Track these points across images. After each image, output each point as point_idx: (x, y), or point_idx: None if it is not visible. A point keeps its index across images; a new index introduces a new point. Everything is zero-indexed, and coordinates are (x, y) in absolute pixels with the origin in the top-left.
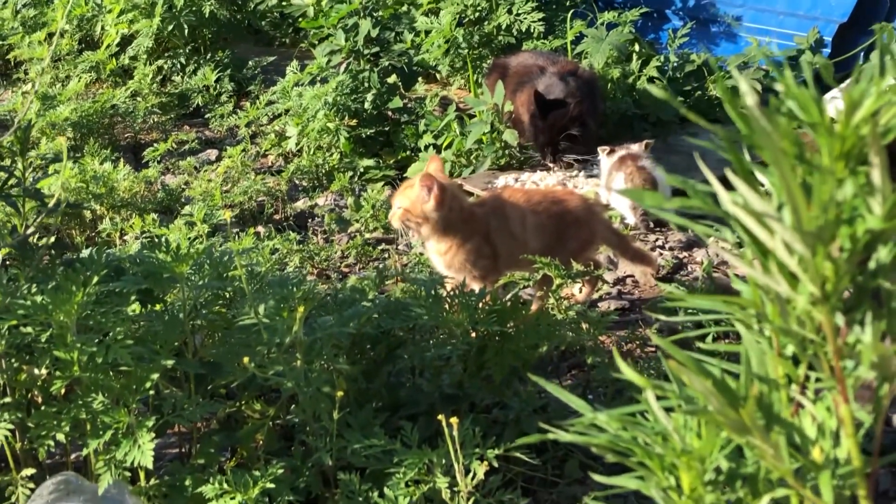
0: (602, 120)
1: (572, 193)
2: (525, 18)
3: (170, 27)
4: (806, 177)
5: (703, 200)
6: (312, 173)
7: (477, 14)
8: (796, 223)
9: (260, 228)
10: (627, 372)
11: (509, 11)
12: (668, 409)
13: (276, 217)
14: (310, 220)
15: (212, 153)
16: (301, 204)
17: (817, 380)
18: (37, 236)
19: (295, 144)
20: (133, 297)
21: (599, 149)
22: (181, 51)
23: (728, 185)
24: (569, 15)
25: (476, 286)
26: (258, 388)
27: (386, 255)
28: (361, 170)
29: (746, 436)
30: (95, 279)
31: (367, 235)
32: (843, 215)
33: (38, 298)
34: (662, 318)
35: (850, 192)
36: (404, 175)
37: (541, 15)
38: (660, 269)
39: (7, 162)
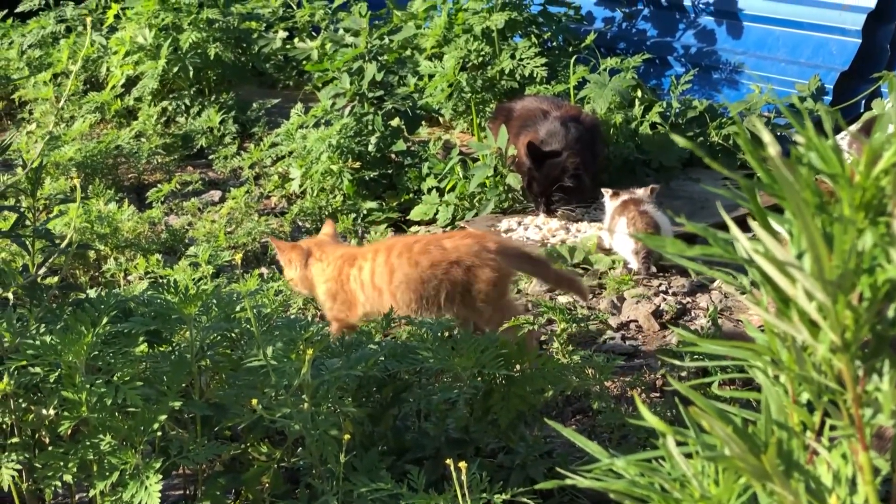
0: (604, 165)
1: (462, 238)
2: (528, 63)
3: (175, 69)
4: (826, 226)
5: (723, 248)
6: (316, 215)
7: (480, 59)
8: (818, 272)
9: (263, 270)
10: (649, 417)
11: (512, 56)
12: (686, 456)
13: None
14: None
15: (215, 194)
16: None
17: (832, 427)
18: (44, 276)
19: (298, 186)
20: (141, 338)
21: (604, 190)
22: (186, 92)
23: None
24: (572, 60)
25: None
26: (264, 430)
27: None
28: (365, 212)
29: (766, 482)
30: (105, 320)
31: None
32: (863, 265)
33: (48, 339)
34: (676, 362)
35: (871, 242)
36: (407, 218)
37: (544, 60)
38: (589, 295)
39: (15, 202)
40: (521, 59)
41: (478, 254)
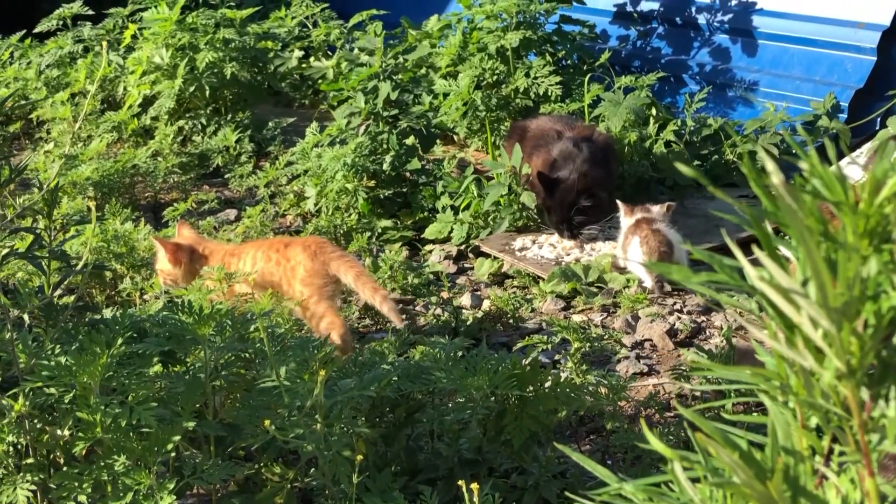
0: (618, 183)
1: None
2: (542, 82)
3: (191, 88)
4: (830, 253)
5: (729, 275)
6: (331, 233)
7: (495, 77)
8: (822, 299)
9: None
10: (655, 443)
11: (527, 75)
12: (694, 480)
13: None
14: None
15: (231, 213)
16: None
17: (841, 452)
18: (60, 297)
19: (314, 205)
20: (155, 359)
21: (620, 204)
22: (202, 111)
23: (746, 252)
24: (586, 79)
25: None
26: (277, 450)
27: (404, 316)
28: (379, 230)
29: None
30: (119, 341)
31: None
32: (867, 292)
33: (63, 360)
34: (687, 386)
35: (875, 269)
36: (422, 236)
37: (558, 78)
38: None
39: (32, 222)
40: (535, 78)
41: (298, 254)
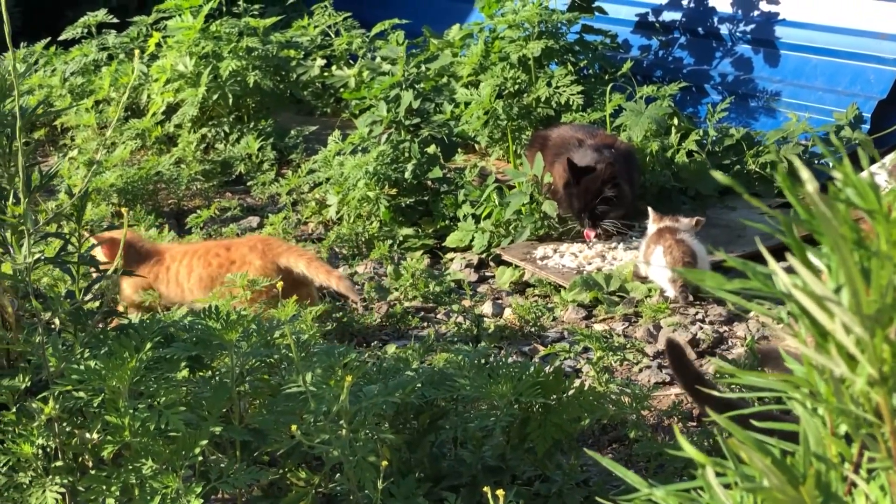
0: (640, 192)
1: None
2: (564, 91)
3: (215, 96)
4: (864, 261)
5: (762, 282)
6: (352, 241)
7: (517, 86)
8: (855, 306)
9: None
10: (688, 449)
11: (549, 84)
12: (725, 486)
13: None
14: None
15: (253, 220)
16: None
17: (870, 459)
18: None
19: (335, 213)
20: (183, 364)
21: (650, 209)
22: (225, 119)
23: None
24: (608, 88)
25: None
26: (301, 455)
27: (425, 325)
28: (401, 238)
29: None
30: (148, 346)
31: (406, 304)
32: None
33: (92, 364)
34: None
35: None
36: (443, 244)
37: (580, 88)
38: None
39: (57, 227)
40: (557, 87)
41: (245, 254)
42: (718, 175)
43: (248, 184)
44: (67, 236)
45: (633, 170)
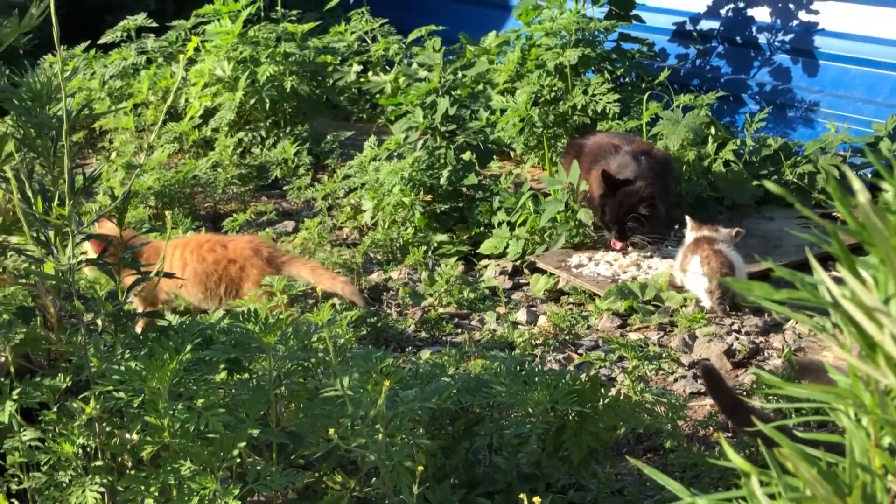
0: (676, 201)
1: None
2: (601, 99)
3: (252, 101)
4: None
5: (810, 293)
6: (387, 247)
7: (553, 94)
8: None
9: (336, 300)
10: (734, 458)
11: (585, 92)
12: (768, 497)
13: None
14: (384, 293)
15: (289, 224)
16: (375, 277)
17: None
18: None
19: (370, 218)
20: (222, 366)
21: (688, 218)
22: (262, 124)
23: (809, 271)
24: (645, 97)
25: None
26: (337, 459)
27: (459, 331)
28: (435, 244)
29: None
30: (188, 347)
31: (441, 310)
32: None
33: (133, 364)
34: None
35: None
36: (477, 251)
37: (616, 96)
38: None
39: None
40: (593, 95)
41: (249, 257)
42: (769, 185)
43: (284, 188)
44: (110, 238)
45: (670, 178)
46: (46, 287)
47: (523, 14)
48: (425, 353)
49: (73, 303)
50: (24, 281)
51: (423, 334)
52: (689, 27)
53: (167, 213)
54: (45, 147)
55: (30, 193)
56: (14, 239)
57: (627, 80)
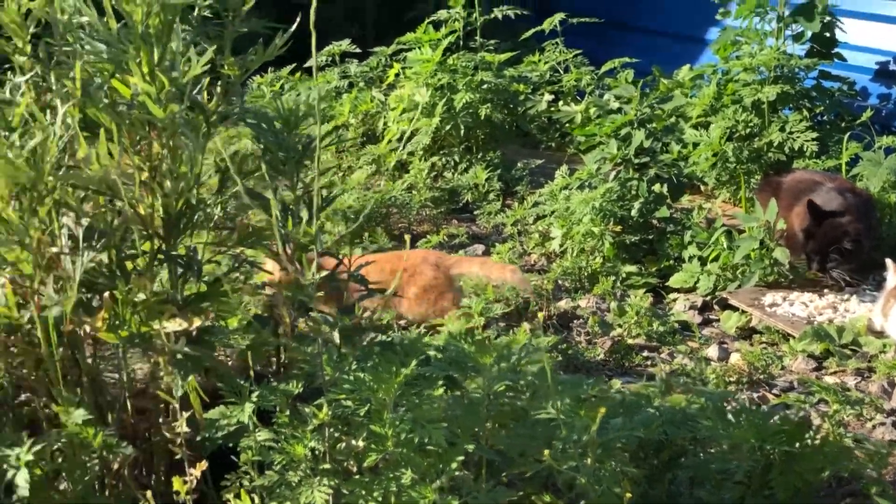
0: (877, 243)
1: None
2: (798, 137)
3: (447, 127)
4: None
5: None
6: (575, 275)
7: (748, 130)
8: None
9: (527, 325)
10: None
11: (782, 129)
12: None
13: (540, 315)
14: (572, 321)
15: (479, 248)
16: (564, 304)
17: None
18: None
19: (559, 245)
20: (440, 383)
21: (889, 261)
22: (455, 149)
23: None
24: (845, 136)
25: None
26: (541, 480)
27: (649, 363)
28: (624, 275)
29: None
30: (413, 363)
31: (630, 341)
32: None
33: (362, 375)
34: None
35: None
36: (665, 284)
37: (814, 134)
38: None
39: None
40: (790, 133)
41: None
42: None
43: (475, 212)
44: (341, 256)
45: (873, 217)
46: (284, 299)
47: (721, 49)
48: (616, 383)
49: (311, 315)
50: (262, 292)
51: (613, 364)
52: (892, 67)
53: (379, 230)
54: (290, 168)
55: (276, 212)
56: (249, 252)
57: (826, 118)
